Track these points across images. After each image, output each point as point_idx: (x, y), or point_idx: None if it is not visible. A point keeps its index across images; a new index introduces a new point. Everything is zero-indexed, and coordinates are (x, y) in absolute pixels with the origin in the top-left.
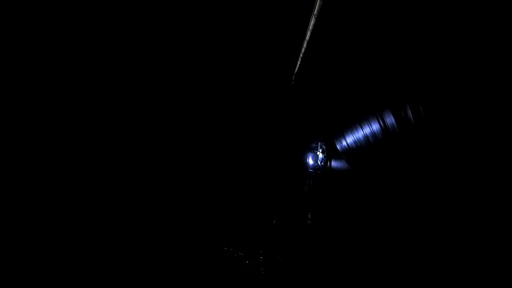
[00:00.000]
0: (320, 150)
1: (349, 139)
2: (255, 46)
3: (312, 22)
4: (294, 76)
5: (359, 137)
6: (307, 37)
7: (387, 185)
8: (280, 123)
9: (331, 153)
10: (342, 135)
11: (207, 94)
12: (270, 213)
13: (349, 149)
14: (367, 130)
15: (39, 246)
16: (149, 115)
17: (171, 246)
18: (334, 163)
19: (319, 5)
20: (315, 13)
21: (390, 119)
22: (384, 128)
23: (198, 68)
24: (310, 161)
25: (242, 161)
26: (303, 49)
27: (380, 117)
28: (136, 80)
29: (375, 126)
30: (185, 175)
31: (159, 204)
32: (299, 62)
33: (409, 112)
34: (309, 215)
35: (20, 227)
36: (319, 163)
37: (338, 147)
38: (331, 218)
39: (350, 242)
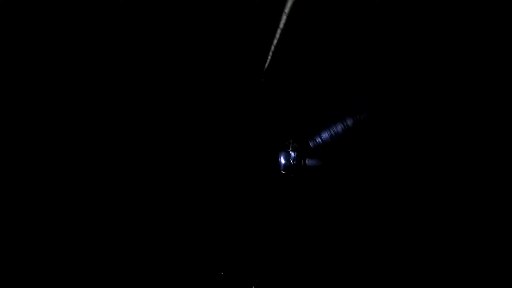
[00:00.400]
0: (292, 149)
1: (322, 136)
2: (221, 41)
3: (283, 19)
4: (264, 73)
5: (331, 134)
6: (277, 34)
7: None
8: (249, 122)
9: (304, 151)
10: (314, 132)
11: (169, 92)
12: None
13: (322, 147)
14: (339, 127)
15: (39, 246)
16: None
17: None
18: (308, 162)
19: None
20: (286, 11)
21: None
22: (354, 126)
23: (159, 64)
24: (282, 160)
25: (207, 162)
26: (273, 46)
27: (344, 120)
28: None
29: (348, 123)
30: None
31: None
32: (269, 59)
33: (387, 110)
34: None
35: (20, 227)
36: (292, 162)
37: (311, 144)
38: (311, 218)
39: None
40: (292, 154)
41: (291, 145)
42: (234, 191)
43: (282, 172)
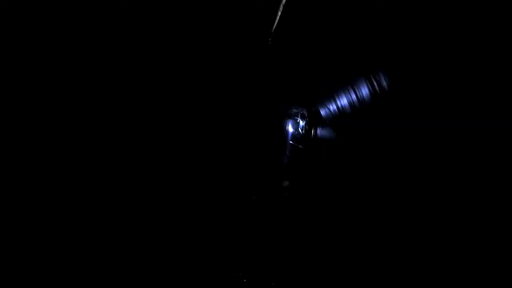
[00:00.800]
0: (300, 117)
1: (337, 104)
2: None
3: None
4: (271, 35)
5: (348, 101)
6: None
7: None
8: (255, 87)
9: (314, 120)
10: (327, 99)
11: (175, 58)
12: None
13: (337, 115)
14: (359, 92)
15: (39, 246)
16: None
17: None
18: (319, 131)
19: None
20: None
21: (384, 81)
22: (375, 92)
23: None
24: (290, 129)
25: (212, 131)
26: (282, 5)
27: (371, 79)
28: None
29: (365, 90)
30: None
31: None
32: (277, 19)
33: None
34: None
35: (19, 227)
36: (300, 131)
37: (322, 113)
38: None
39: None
40: (301, 122)
41: (300, 112)
42: (240, 159)
43: (290, 142)
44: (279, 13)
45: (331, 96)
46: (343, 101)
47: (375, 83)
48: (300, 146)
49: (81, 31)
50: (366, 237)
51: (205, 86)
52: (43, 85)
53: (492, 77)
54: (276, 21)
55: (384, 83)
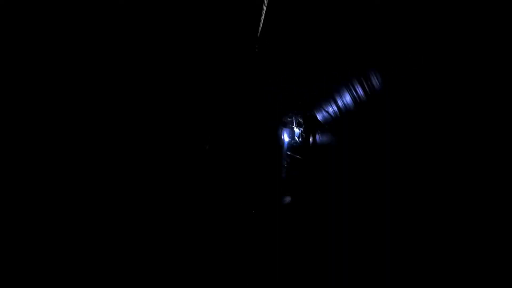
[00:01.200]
0: (296, 124)
1: (335, 105)
2: (208, 6)
3: None
4: (257, 41)
5: (347, 102)
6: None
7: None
8: (244, 97)
9: (312, 125)
10: (325, 101)
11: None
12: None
13: (336, 118)
14: (357, 91)
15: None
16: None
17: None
18: (318, 138)
19: None
20: None
21: (376, 81)
22: (370, 91)
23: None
24: (286, 138)
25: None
26: (264, 8)
27: (365, 79)
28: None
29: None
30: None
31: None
32: (261, 24)
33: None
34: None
35: (19, 227)
36: (297, 139)
37: (320, 117)
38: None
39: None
40: (297, 130)
41: (294, 119)
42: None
43: (288, 153)
44: (263, 18)
45: (329, 97)
46: (343, 101)
47: (375, 84)
48: (298, 157)
49: (80, 31)
50: (374, 257)
51: (200, 86)
52: (42, 85)
53: (491, 78)
54: (261, 25)
55: (387, 83)
